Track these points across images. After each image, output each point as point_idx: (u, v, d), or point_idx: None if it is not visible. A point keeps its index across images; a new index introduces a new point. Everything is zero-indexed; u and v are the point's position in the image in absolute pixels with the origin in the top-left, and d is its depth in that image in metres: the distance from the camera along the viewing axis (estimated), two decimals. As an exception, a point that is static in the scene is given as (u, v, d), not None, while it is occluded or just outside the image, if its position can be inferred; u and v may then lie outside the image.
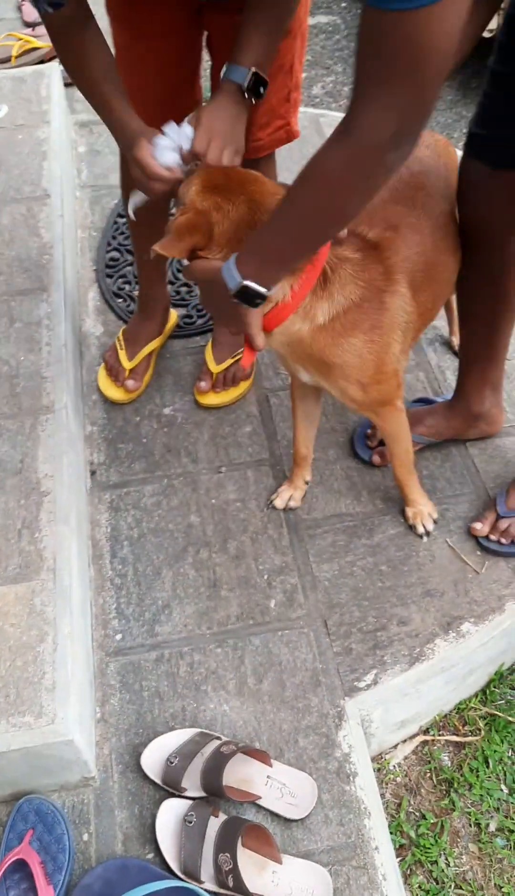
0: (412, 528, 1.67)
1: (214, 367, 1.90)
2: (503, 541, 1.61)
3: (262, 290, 1.12)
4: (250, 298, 1.13)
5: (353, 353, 1.30)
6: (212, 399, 1.90)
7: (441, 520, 1.67)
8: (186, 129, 1.28)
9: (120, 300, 2.14)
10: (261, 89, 1.30)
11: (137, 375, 1.93)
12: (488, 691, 1.61)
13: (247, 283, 1.11)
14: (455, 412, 1.76)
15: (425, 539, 1.65)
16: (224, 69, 1.30)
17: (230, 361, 1.90)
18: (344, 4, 4.23)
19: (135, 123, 1.33)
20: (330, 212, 1.06)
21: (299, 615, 1.55)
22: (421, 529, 1.65)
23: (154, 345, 1.96)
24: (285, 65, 1.51)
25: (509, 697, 1.61)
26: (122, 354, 1.93)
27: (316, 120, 2.64)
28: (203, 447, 1.85)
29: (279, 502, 1.70)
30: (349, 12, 4.15)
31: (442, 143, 1.51)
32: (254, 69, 1.28)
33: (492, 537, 1.62)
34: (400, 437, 1.53)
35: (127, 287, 2.18)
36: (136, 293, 2.02)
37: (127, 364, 1.92)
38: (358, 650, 1.49)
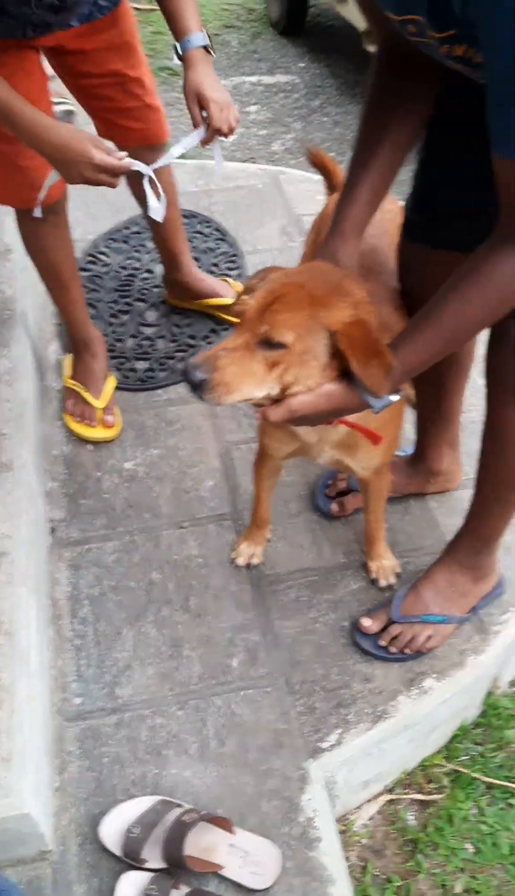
0: (374, 582, 1.67)
1: None
2: (392, 649, 1.52)
3: (396, 397, 1.10)
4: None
5: (393, 416, 1.35)
6: None
7: (403, 573, 1.68)
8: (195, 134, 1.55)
9: (81, 354, 2.15)
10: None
11: (110, 411, 1.96)
12: (451, 747, 1.60)
13: (394, 397, 1.08)
14: (415, 469, 1.79)
15: (387, 593, 1.65)
16: (180, 43, 1.53)
17: None
18: (302, 64, 4.37)
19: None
20: (493, 316, 1.05)
21: (261, 674, 1.53)
22: (383, 583, 1.66)
23: (113, 381, 1.99)
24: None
25: (472, 753, 1.60)
26: (88, 396, 1.94)
27: (276, 177, 2.70)
28: (165, 502, 1.84)
29: (241, 560, 1.69)
30: (307, 72, 4.29)
31: (394, 212, 1.51)
32: (204, 30, 1.54)
33: (382, 642, 1.52)
34: (386, 492, 1.57)
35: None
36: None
37: (97, 403, 1.93)
38: (322, 709, 1.48)
